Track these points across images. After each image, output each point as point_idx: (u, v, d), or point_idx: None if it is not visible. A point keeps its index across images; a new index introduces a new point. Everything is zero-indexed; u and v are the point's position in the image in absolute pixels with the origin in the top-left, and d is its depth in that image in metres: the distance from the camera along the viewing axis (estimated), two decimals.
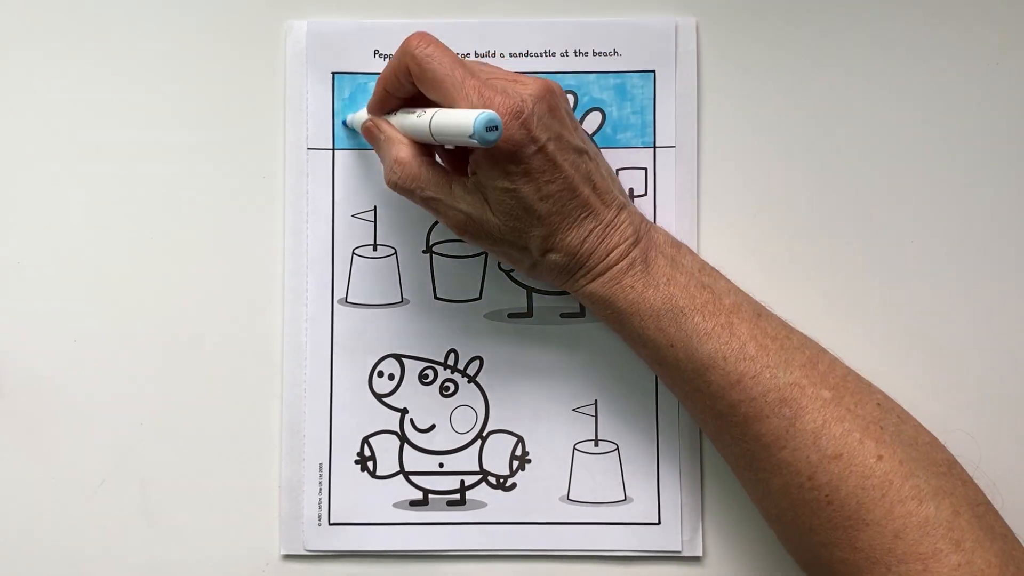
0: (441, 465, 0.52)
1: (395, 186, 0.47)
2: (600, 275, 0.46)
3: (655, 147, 0.52)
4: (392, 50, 0.52)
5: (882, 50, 0.52)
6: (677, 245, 0.48)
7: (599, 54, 0.52)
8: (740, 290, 0.48)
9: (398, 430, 0.52)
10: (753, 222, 0.52)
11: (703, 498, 0.52)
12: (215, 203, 0.52)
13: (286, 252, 0.52)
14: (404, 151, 0.46)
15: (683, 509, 0.52)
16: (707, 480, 0.52)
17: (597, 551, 0.52)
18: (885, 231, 0.52)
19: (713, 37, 0.52)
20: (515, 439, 0.52)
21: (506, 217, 0.45)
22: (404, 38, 0.45)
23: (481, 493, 0.52)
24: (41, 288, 0.52)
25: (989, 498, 0.45)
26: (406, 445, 0.52)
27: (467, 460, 0.52)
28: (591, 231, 0.46)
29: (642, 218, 0.48)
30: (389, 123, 0.48)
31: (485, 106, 0.42)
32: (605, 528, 0.52)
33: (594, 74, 0.52)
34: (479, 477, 0.52)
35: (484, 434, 0.52)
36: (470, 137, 0.40)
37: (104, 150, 0.52)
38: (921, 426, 0.46)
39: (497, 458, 0.52)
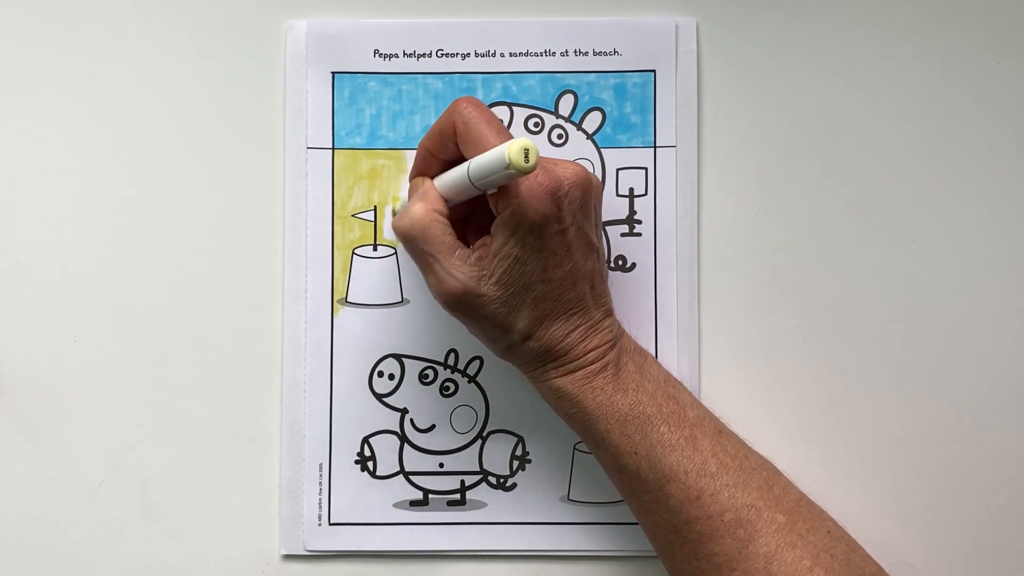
0: (441, 465, 0.52)
1: (399, 231, 0.46)
2: (572, 372, 0.46)
3: (655, 147, 0.52)
4: (392, 50, 0.52)
5: (882, 50, 0.52)
6: (644, 354, 0.48)
7: (599, 54, 0.52)
8: (702, 404, 0.48)
9: (398, 430, 0.52)
10: (753, 222, 0.52)
11: None
12: (215, 203, 0.52)
13: (286, 252, 0.52)
14: (422, 206, 0.45)
15: None
16: None
17: (597, 551, 0.52)
18: (885, 231, 0.52)
19: (713, 37, 0.52)
20: (515, 439, 0.52)
21: (503, 290, 0.44)
22: (451, 101, 0.46)
23: (481, 493, 0.52)
24: (41, 288, 0.52)
25: None
26: (406, 445, 0.52)
27: (467, 460, 0.52)
28: (576, 327, 0.46)
29: (619, 325, 0.48)
30: (430, 180, 0.47)
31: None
32: (605, 528, 0.52)
33: (594, 74, 0.52)
34: (479, 477, 0.52)
35: (484, 434, 0.52)
36: (506, 168, 0.40)
37: (104, 150, 0.52)
38: (869, 556, 0.46)
39: (497, 458, 0.52)
